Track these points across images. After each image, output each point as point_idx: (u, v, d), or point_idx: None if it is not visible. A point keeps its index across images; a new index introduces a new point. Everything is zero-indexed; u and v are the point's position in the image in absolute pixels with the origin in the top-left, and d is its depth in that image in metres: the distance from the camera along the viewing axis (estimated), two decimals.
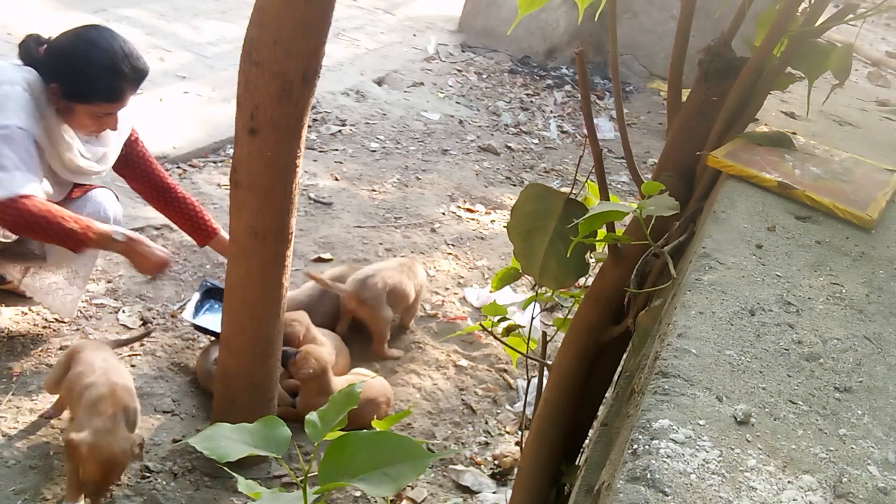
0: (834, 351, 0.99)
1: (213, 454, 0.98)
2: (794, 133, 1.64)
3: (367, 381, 2.54)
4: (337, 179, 4.19)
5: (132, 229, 3.18)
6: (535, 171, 4.99)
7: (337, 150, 4.56)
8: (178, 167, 3.87)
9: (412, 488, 2.38)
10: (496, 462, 2.57)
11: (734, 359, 0.94)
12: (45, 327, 2.64)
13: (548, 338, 1.66)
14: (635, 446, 0.80)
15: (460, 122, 5.42)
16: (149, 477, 2.18)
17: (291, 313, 2.57)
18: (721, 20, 1.52)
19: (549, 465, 1.47)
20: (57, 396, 2.26)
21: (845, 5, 1.39)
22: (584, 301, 1.41)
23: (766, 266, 1.14)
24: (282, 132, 1.90)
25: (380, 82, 5.84)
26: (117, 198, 2.62)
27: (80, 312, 2.73)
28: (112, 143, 2.46)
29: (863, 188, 1.41)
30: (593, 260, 1.45)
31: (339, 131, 4.79)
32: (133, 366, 2.57)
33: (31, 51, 2.24)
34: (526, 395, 2.23)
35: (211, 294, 2.72)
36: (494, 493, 2.43)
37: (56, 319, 2.68)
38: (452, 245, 3.80)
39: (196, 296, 2.69)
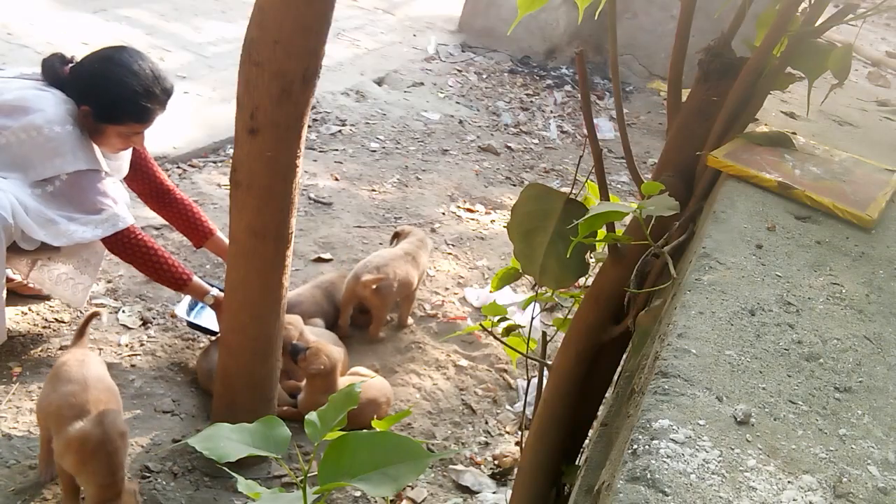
0: (834, 351, 0.99)
1: (213, 454, 0.98)
2: (794, 133, 1.64)
3: (367, 380, 2.54)
4: (337, 179, 4.19)
5: None
6: (535, 171, 4.99)
7: (337, 150, 4.56)
8: (178, 167, 3.87)
9: (412, 488, 2.38)
10: (496, 462, 2.57)
11: (734, 359, 0.94)
12: (45, 327, 2.64)
13: (548, 338, 1.66)
14: (635, 446, 0.80)
15: (460, 122, 5.42)
16: (149, 477, 2.18)
17: (285, 317, 2.57)
18: (721, 20, 1.52)
19: (549, 465, 1.47)
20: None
21: (845, 5, 1.39)
22: (584, 301, 1.41)
23: (766, 266, 1.14)
24: (282, 132, 1.90)
25: (380, 82, 5.84)
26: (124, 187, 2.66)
27: (81, 312, 2.73)
28: (125, 156, 2.53)
29: (863, 188, 1.41)
30: (593, 260, 1.45)
31: (339, 131, 4.79)
32: (133, 366, 2.57)
33: (57, 70, 2.29)
34: (526, 395, 2.23)
35: None
36: (494, 493, 2.43)
37: (56, 319, 2.68)
38: (452, 245, 3.80)
39: None
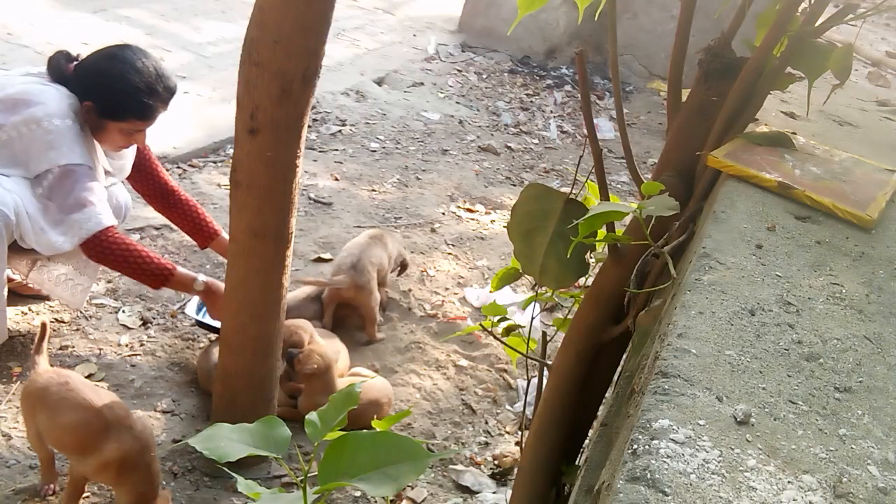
0: (834, 351, 0.99)
1: (213, 454, 0.98)
2: (794, 133, 1.64)
3: (368, 381, 2.54)
4: (337, 179, 4.19)
5: (133, 229, 3.20)
6: (535, 171, 4.99)
7: (337, 150, 4.56)
8: (178, 167, 3.87)
9: (412, 488, 2.38)
10: (496, 462, 2.57)
11: (734, 359, 0.94)
12: None
13: (548, 338, 1.66)
14: (635, 446, 0.80)
15: (460, 122, 5.42)
16: None
17: (295, 321, 2.58)
18: (721, 20, 1.52)
19: (549, 465, 1.47)
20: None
21: (845, 5, 1.39)
22: (584, 301, 1.41)
23: (766, 266, 1.14)
24: (282, 132, 1.90)
25: (380, 82, 5.84)
26: (126, 187, 2.66)
27: (80, 312, 2.73)
28: (129, 156, 2.54)
29: (863, 188, 1.41)
30: (593, 260, 1.45)
31: (339, 131, 4.79)
32: (133, 366, 2.58)
33: (61, 67, 2.30)
34: (526, 395, 2.23)
35: None
36: (494, 493, 2.43)
37: (56, 319, 2.68)
38: (452, 245, 3.80)
39: None
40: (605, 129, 5.79)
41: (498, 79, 6.49)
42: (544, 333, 1.67)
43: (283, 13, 1.75)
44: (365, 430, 0.99)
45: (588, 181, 1.55)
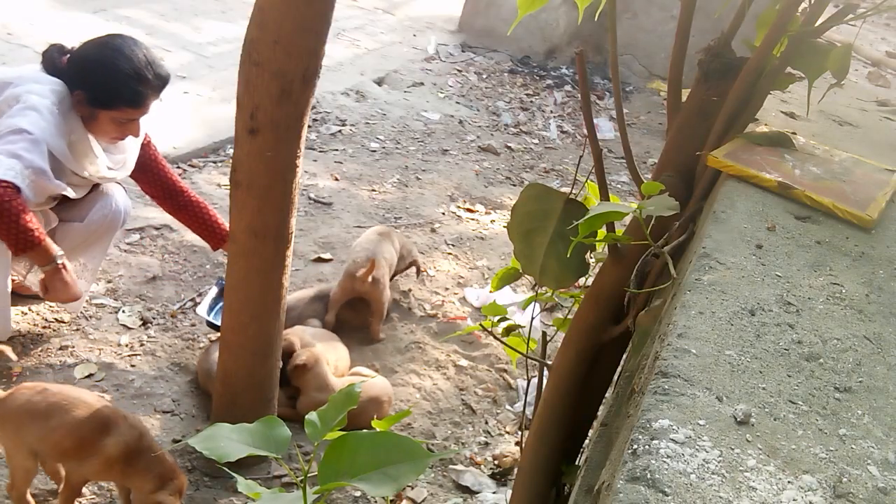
0: (834, 351, 0.99)
1: (213, 454, 0.98)
2: (794, 133, 1.64)
3: (368, 380, 2.55)
4: (337, 179, 4.19)
5: (132, 229, 3.20)
6: (535, 171, 4.99)
7: (337, 150, 4.56)
8: (178, 167, 3.87)
9: (412, 488, 2.38)
10: (496, 462, 2.57)
11: (734, 359, 0.94)
12: (45, 327, 2.64)
13: (548, 338, 1.66)
14: (635, 446, 0.80)
15: (460, 122, 5.42)
16: None
17: (287, 330, 2.57)
18: (721, 20, 1.52)
19: (549, 465, 1.47)
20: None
21: (845, 5, 1.39)
22: (584, 301, 1.41)
23: (766, 266, 1.14)
24: (282, 132, 1.90)
25: (380, 82, 5.84)
26: (126, 191, 2.65)
27: (81, 312, 2.73)
28: (130, 150, 2.51)
29: (863, 188, 1.41)
30: (593, 260, 1.45)
31: (339, 131, 4.79)
32: (133, 366, 2.58)
33: (55, 60, 2.29)
34: (526, 395, 2.23)
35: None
36: (494, 493, 2.43)
37: (56, 319, 2.68)
38: (452, 245, 3.80)
39: (213, 292, 2.69)
40: (605, 129, 5.79)
41: (498, 79, 6.49)
42: (544, 333, 1.67)
43: (283, 13, 1.75)
44: (365, 430, 0.99)
45: (588, 181, 1.55)
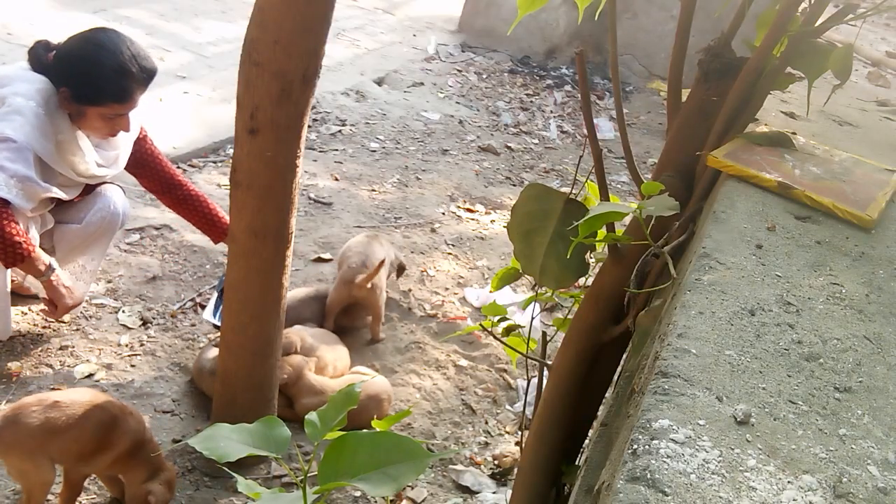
0: (834, 351, 0.99)
1: (213, 454, 0.98)
2: (794, 133, 1.64)
3: (368, 379, 2.55)
4: (337, 179, 4.19)
5: (132, 229, 3.20)
6: (535, 171, 4.99)
7: (337, 150, 4.56)
8: (178, 167, 3.87)
9: (412, 488, 2.38)
10: (496, 462, 2.57)
11: (734, 359, 0.94)
12: (45, 327, 2.64)
13: (548, 338, 1.66)
14: (635, 446, 0.80)
15: (460, 122, 5.42)
16: None
17: (286, 329, 2.57)
18: (721, 20, 1.52)
19: (549, 465, 1.47)
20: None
21: (845, 5, 1.39)
22: (584, 301, 1.41)
23: (766, 266, 1.14)
24: (282, 132, 1.90)
25: (380, 82, 5.84)
26: (124, 192, 2.64)
27: (81, 312, 2.73)
28: (122, 146, 2.47)
29: (863, 188, 1.41)
30: (593, 260, 1.45)
31: (339, 131, 4.79)
32: (133, 366, 2.58)
33: (41, 57, 2.25)
34: (526, 395, 2.23)
35: None
36: (494, 493, 2.43)
37: (56, 319, 2.68)
38: (452, 245, 3.80)
39: (216, 295, 2.68)
40: (605, 129, 5.79)
41: (498, 79, 6.49)
42: (544, 333, 1.67)
43: (283, 13, 1.75)
44: (365, 430, 0.99)
45: (588, 181, 1.55)
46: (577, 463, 1.54)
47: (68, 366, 2.50)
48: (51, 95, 2.20)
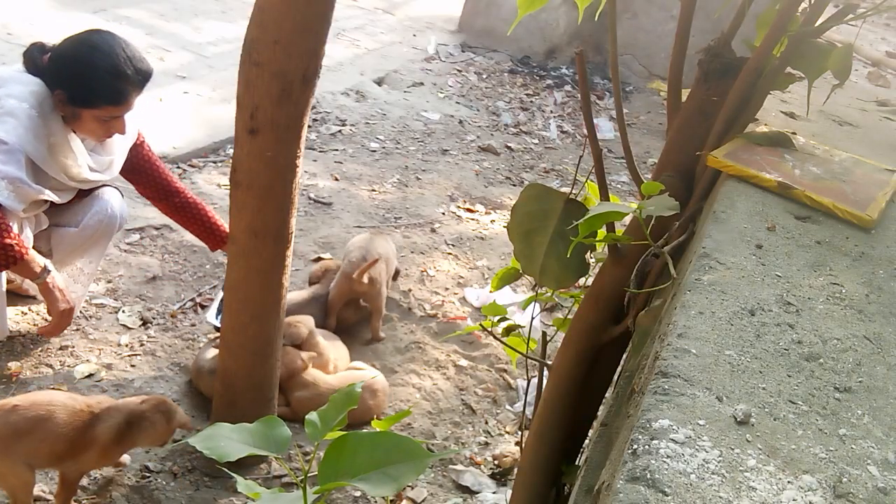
0: (834, 351, 0.99)
1: (213, 454, 0.98)
2: (794, 133, 1.64)
3: (366, 378, 2.56)
4: (337, 179, 4.19)
5: (132, 229, 3.20)
6: (535, 171, 4.99)
7: (337, 150, 4.56)
8: (178, 167, 3.87)
9: (412, 488, 2.38)
10: (496, 462, 2.57)
11: (734, 359, 0.94)
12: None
13: (548, 338, 1.66)
14: (635, 446, 0.80)
15: (460, 122, 5.42)
16: (149, 477, 2.18)
17: (296, 316, 2.59)
18: (721, 20, 1.52)
19: (549, 465, 1.47)
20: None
21: (845, 5, 1.39)
22: (584, 301, 1.41)
23: (766, 266, 1.14)
24: (282, 132, 1.90)
25: (380, 82, 5.84)
26: (122, 195, 2.63)
27: (81, 313, 2.73)
28: (117, 151, 2.45)
29: (863, 188, 1.41)
30: (593, 260, 1.45)
31: (339, 131, 4.79)
32: (133, 366, 2.58)
33: (36, 59, 2.23)
34: (526, 395, 2.23)
35: None
36: (494, 493, 2.43)
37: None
38: (452, 245, 3.80)
39: (219, 297, 2.68)
40: (605, 129, 5.79)
41: (498, 79, 6.49)
42: (544, 333, 1.67)
43: (283, 13, 1.75)
44: (365, 430, 0.99)
45: (588, 181, 1.55)
46: (577, 463, 1.54)
47: (68, 366, 2.50)
48: (45, 98, 2.18)
